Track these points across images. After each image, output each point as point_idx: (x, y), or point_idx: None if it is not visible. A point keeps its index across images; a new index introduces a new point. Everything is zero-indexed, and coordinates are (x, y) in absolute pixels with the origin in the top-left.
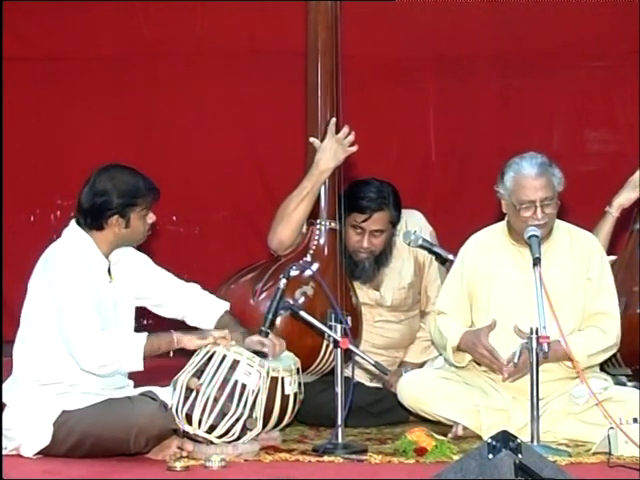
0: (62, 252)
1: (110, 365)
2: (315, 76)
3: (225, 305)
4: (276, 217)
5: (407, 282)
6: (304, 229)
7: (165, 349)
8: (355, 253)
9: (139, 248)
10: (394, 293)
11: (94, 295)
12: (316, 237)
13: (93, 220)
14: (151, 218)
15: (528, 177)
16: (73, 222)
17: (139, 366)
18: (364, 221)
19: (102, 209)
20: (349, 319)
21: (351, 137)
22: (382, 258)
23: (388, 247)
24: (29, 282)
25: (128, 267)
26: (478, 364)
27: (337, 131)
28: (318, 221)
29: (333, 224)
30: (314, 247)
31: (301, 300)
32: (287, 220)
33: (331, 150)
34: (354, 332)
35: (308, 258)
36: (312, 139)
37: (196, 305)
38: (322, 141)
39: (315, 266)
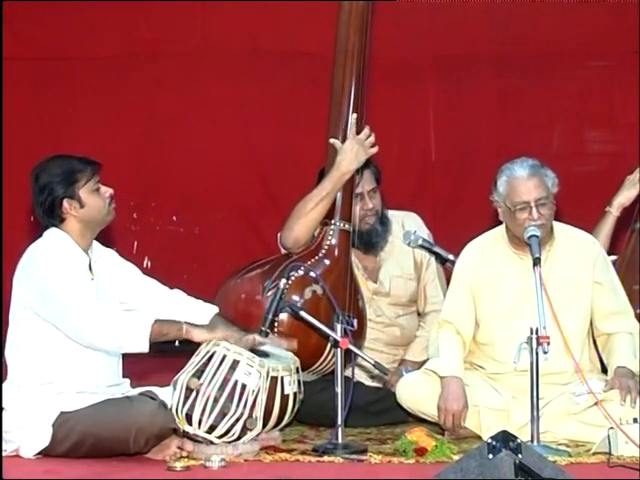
0: (43, 248)
1: (117, 338)
2: (341, 79)
3: (214, 308)
4: (293, 215)
5: (405, 273)
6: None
7: (173, 336)
8: (364, 220)
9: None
10: (392, 281)
11: (82, 282)
12: (329, 237)
13: (51, 216)
14: (107, 191)
15: (520, 179)
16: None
17: (144, 346)
18: (358, 183)
19: (52, 202)
20: (355, 321)
21: (372, 138)
22: (384, 219)
23: (384, 207)
24: (13, 283)
25: (110, 267)
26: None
27: (358, 132)
28: (332, 222)
29: (347, 225)
30: (326, 247)
31: (309, 297)
32: (305, 219)
33: (352, 152)
34: (359, 334)
35: (322, 254)
36: (332, 140)
37: (184, 310)
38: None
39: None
